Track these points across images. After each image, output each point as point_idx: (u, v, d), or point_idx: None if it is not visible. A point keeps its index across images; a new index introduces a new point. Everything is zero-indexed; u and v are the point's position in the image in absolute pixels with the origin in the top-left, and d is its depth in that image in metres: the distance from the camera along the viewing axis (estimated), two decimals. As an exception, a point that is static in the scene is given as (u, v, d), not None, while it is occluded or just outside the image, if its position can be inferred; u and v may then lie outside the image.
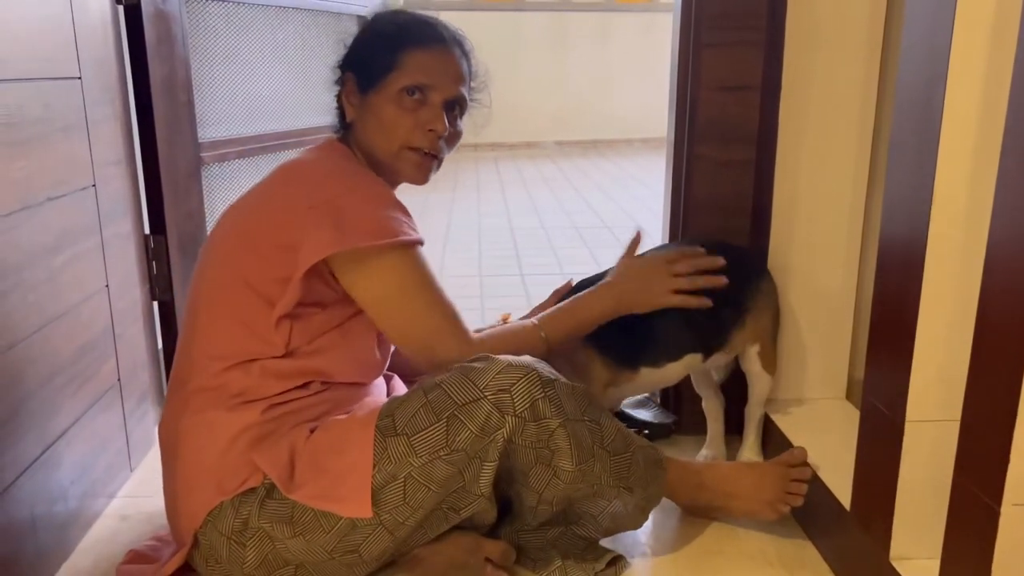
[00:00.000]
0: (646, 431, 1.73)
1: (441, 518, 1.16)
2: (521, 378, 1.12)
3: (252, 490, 1.12)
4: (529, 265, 3.37)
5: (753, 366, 1.52)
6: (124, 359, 1.54)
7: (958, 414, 0.94)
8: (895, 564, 1.11)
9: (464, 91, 1.25)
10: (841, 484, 1.28)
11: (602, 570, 1.24)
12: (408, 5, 6.79)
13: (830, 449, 1.41)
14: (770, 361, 1.53)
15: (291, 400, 1.18)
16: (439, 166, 1.26)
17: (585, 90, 7.37)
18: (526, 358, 1.17)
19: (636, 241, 1.44)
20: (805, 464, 1.35)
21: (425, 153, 1.21)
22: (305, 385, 1.19)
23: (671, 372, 1.43)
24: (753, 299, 1.48)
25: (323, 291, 1.17)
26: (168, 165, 1.65)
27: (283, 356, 1.16)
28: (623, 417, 1.81)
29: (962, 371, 0.93)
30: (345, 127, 1.27)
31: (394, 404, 1.14)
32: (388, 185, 1.20)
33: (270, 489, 1.12)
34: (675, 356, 1.41)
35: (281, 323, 1.15)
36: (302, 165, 1.20)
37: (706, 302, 1.34)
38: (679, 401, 1.76)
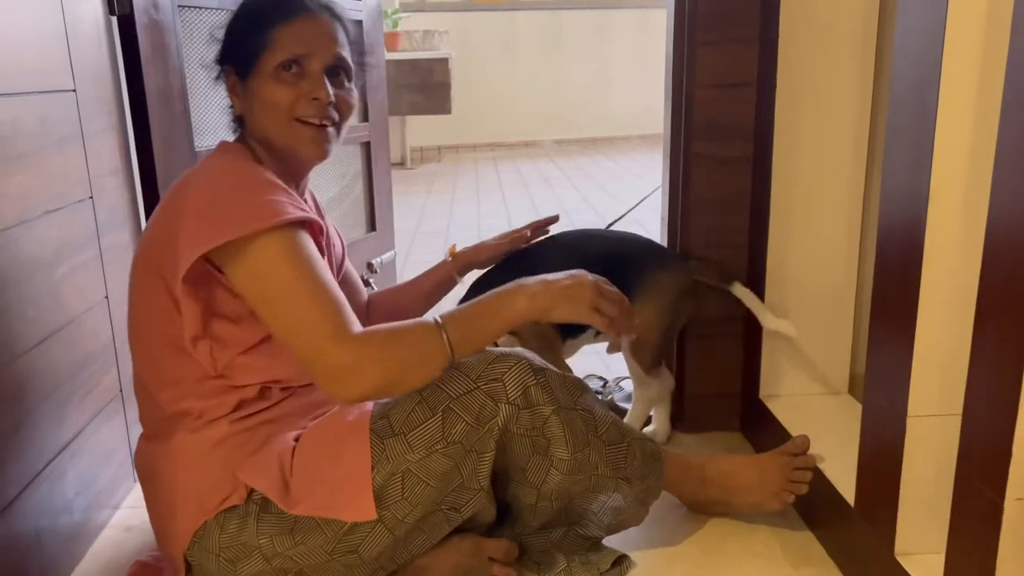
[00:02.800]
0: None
1: (442, 519, 1.15)
2: (513, 367, 1.13)
3: (236, 507, 1.11)
4: (530, 265, 3.36)
5: (624, 352, 1.58)
6: (126, 370, 1.54)
7: (960, 408, 0.94)
8: (900, 559, 1.11)
9: (344, 53, 1.18)
10: (845, 479, 1.28)
11: (607, 570, 1.24)
12: (403, 6, 6.79)
13: (833, 444, 1.40)
14: (641, 353, 1.55)
15: (257, 412, 1.16)
16: (339, 134, 1.20)
17: (583, 88, 7.36)
18: (517, 348, 1.17)
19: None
20: (807, 452, 1.36)
21: (318, 125, 1.16)
22: (264, 395, 1.17)
23: (580, 344, 1.61)
24: (637, 292, 1.51)
25: (230, 302, 1.11)
26: (165, 175, 1.64)
27: (221, 376, 1.13)
28: (616, 411, 1.81)
29: (963, 365, 0.93)
30: (239, 125, 1.23)
31: (387, 406, 1.13)
32: (272, 174, 1.14)
33: (263, 504, 1.11)
34: (579, 333, 1.56)
35: (198, 343, 1.11)
36: (187, 177, 1.15)
37: (633, 332, 1.20)
38: (681, 399, 1.76)
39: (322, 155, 1.18)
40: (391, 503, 1.10)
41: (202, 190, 1.10)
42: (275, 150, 1.19)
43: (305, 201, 1.33)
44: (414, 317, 1.51)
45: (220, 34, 1.21)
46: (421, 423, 1.10)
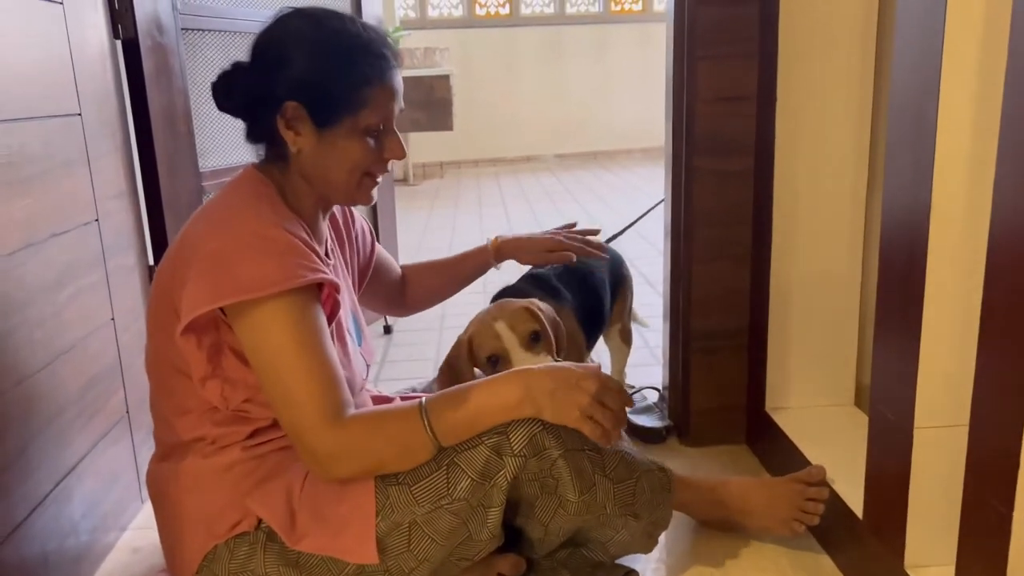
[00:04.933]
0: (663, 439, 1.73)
1: (452, 567, 1.14)
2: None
3: (246, 533, 1.11)
4: (533, 280, 3.36)
5: (614, 341, 1.74)
6: (132, 391, 1.54)
7: (967, 419, 0.94)
8: (910, 572, 1.11)
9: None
10: (853, 493, 1.27)
11: None
12: (404, 24, 6.83)
13: (841, 457, 1.40)
14: (627, 335, 1.75)
15: (269, 440, 1.15)
16: None
17: (584, 102, 7.39)
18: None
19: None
20: (823, 483, 1.34)
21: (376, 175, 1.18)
22: (278, 424, 1.14)
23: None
24: (619, 289, 1.71)
25: (240, 342, 1.08)
26: (170, 196, 1.65)
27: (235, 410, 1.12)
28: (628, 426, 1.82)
29: (969, 375, 0.93)
30: (276, 154, 1.16)
31: None
32: (293, 218, 1.11)
33: (269, 533, 1.10)
34: (598, 335, 1.67)
35: (208, 383, 1.09)
36: (207, 211, 1.13)
37: (615, 439, 1.11)
38: (687, 413, 1.76)
39: (372, 201, 1.20)
40: (396, 554, 1.08)
41: (215, 237, 1.07)
42: (327, 190, 1.16)
43: (333, 215, 1.33)
44: (448, 296, 1.58)
45: (287, 68, 1.09)
46: (426, 476, 1.08)
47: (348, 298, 1.30)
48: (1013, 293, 0.85)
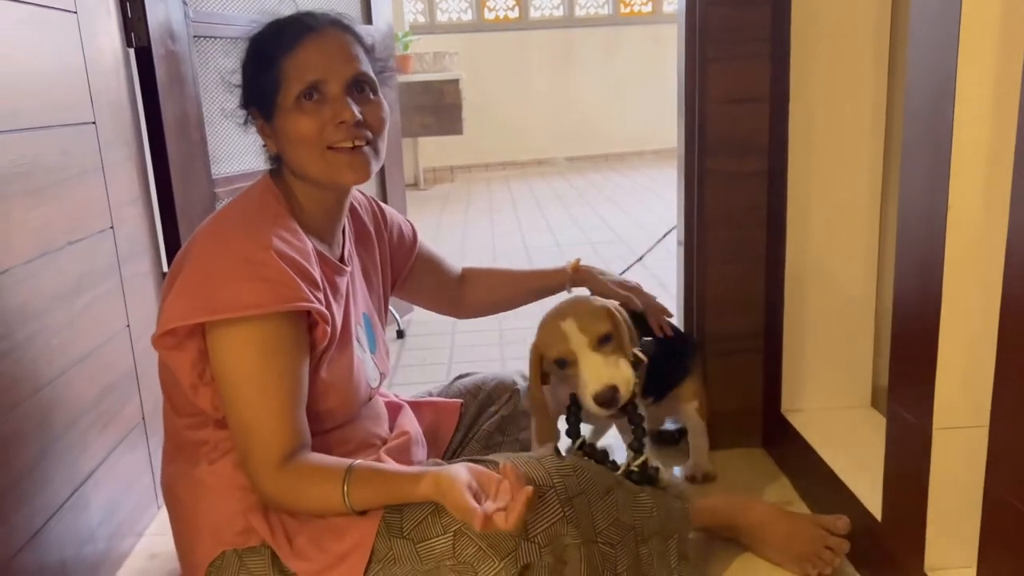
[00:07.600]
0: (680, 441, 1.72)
1: None
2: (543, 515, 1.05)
3: (256, 548, 1.10)
4: (545, 283, 3.35)
5: (692, 418, 1.62)
6: (148, 397, 1.55)
7: (986, 420, 0.93)
8: (930, 574, 1.09)
9: (363, 68, 1.12)
10: (871, 495, 1.26)
11: None
12: (414, 29, 6.85)
13: (858, 459, 1.39)
14: (704, 410, 1.62)
15: None
16: (377, 152, 1.14)
17: (594, 104, 7.38)
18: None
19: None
20: (845, 535, 1.31)
21: (351, 148, 1.11)
22: None
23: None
24: (695, 367, 1.61)
25: None
26: (184, 202, 1.66)
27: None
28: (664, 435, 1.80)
29: (988, 376, 0.92)
30: (277, 162, 1.18)
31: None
32: (294, 239, 1.10)
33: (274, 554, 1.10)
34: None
35: (198, 390, 1.10)
36: (215, 219, 1.14)
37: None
38: (702, 415, 1.75)
39: (363, 178, 1.13)
40: None
41: (209, 251, 1.08)
42: (314, 181, 1.14)
43: (359, 216, 1.32)
44: (512, 308, 1.58)
45: (236, 79, 1.17)
46: (432, 536, 1.04)
47: (362, 305, 1.28)
48: (1033, 292, 0.84)
